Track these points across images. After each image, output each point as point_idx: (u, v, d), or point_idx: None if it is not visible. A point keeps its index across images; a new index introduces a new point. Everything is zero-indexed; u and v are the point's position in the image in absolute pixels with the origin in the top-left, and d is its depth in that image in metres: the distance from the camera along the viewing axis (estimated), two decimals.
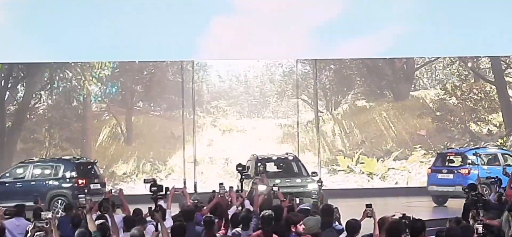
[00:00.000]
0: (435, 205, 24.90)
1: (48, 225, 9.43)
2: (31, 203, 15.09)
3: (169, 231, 10.39)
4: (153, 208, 10.61)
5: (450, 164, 25.12)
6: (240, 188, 15.27)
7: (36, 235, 9.42)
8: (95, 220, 11.47)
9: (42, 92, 31.54)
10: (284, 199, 14.40)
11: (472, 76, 32.67)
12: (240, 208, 13.41)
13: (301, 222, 10.19)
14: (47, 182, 23.09)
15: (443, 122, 31.89)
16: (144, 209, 12.37)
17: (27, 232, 10.72)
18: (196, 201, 14.56)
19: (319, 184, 17.71)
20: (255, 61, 32.14)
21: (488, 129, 31.78)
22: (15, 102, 31.56)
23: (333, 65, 32.57)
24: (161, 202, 11.23)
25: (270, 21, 28.16)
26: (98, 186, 23.34)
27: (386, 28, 28.34)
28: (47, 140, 31.12)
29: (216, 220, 12.52)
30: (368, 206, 10.77)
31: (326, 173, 29.78)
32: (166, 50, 28.73)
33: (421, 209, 23.07)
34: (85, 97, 31.39)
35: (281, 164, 24.25)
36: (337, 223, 12.13)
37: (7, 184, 23.22)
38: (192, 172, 28.70)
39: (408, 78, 32.73)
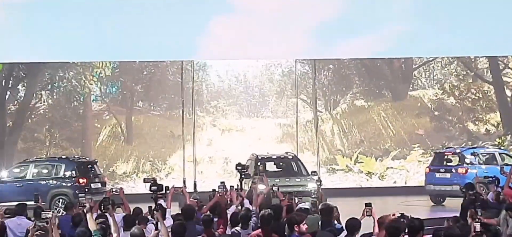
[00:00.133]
0: (433, 204, 24.99)
1: (48, 224, 9.48)
2: (32, 203, 15.13)
3: (169, 230, 10.46)
4: (153, 207, 10.69)
5: (448, 164, 25.19)
6: (239, 187, 15.34)
7: (36, 234, 9.47)
8: (96, 219, 11.52)
9: (43, 92, 31.60)
10: (284, 198, 14.49)
11: (470, 76, 32.75)
12: (239, 207, 13.49)
13: (304, 221, 10.23)
14: (48, 181, 23.17)
15: (441, 121, 31.97)
16: (144, 208, 12.41)
17: (28, 231, 10.77)
18: (197, 199, 14.64)
19: (318, 183, 17.82)
20: (255, 61, 32.18)
21: (486, 128, 31.86)
22: (16, 101, 31.60)
23: (332, 65, 32.65)
24: (161, 201, 11.31)
25: (269, 21, 28.21)
26: (99, 185, 23.40)
27: (384, 28, 28.39)
28: (48, 139, 31.18)
29: (216, 219, 12.62)
30: (368, 205, 10.80)
31: (325, 173, 29.82)
32: (166, 50, 28.76)
33: (419, 208, 23.12)
34: (86, 97, 31.45)
35: (281, 164, 24.28)
36: (336, 222, 12.20)
37: (8, 184, 23.27)
38: (191, 171, 28.71)
39: (407, 78, 32.80)
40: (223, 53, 29.39)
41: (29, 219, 13.26)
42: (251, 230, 11.51)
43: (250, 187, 18.35)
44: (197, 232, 11.51)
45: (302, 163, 24.27)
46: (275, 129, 31.95)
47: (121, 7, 27.95)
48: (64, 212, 16.12)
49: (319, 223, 11.59)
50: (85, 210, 11.85)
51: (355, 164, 31.34)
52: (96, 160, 25.15)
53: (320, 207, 12.38)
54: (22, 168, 23.87)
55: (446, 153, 25.90)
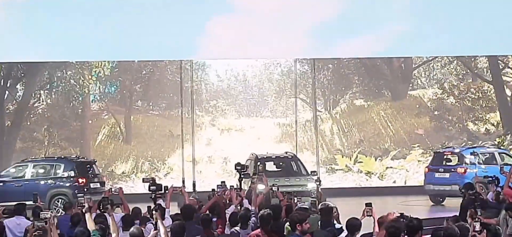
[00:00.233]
0: (433, 204, 24.97)
1: (47, 224, 9.47)
2: (31, 202, 15.10)
3: (168, 230, 10.44)
4: (152, 207, 10.67)
5: (447, 163, 25.18)
6: (239, 187, 15.32)
7: (35, 234, 9.46)
8: (95, 219, 11.52)
9: (41, 92, 31.58)
10: (283, 198, 14.47)
11: (470, 75, 32.74)
12: (239, 207, 13.47)
13: (307, 221, 10.21)
14: (47, 181, 23.15)
15: (441, 121, 31.96)
16: (143, 208, 12.40)
17: (26, 231, 10.76)
18: (196, 199, 14.62)
19: (317, 183, 17.79)
20: (254, 60, 32.18)
21: (486, 128, 31.85)
22: (15, 101, 31.58)
23: (331, 64, 32.63)
24: (160, 201, 11.29)
25: (268, 21, 28.21)
26: (98, 185, 23.41)
27: (384, 28, 28.39)
28: (46, 139, 31.15)
29: (215, 219, 12.60)
30: (368, 205, 10.81)
31: (324, 172, 29.82)
32: (165, 50, 28.74)
33: (419, 208, 23.13)
34: (84, 97, 31.43)
35: (281, 163, 24.25)
36: (335, 222, 12.18)
37: (6, 184, 23.24)
38: (190, 171, 28.69)
39: (406, 77, 32.78)
40: (222, 53, 29.38)
41: (28, 219, 13.25)
42: (250, 230, 11.51)
43: (250, 187, 18.33)
44: (197, 231, 11.49)
45: (301, 163, 24.25)
46: (275, 129, 31.94)
47: (121, 6, 27.94)
48: (63, 212, 16.12)
49: (319, 223, 11.57)
50: (84, 210, 11.85)
51: (354, 164, 31.33)
52: (95, 160, 25.14)
53: (319, 207, 12.36)
54: (21, 168, 23.85)
55: (445, 153, 25.87)
